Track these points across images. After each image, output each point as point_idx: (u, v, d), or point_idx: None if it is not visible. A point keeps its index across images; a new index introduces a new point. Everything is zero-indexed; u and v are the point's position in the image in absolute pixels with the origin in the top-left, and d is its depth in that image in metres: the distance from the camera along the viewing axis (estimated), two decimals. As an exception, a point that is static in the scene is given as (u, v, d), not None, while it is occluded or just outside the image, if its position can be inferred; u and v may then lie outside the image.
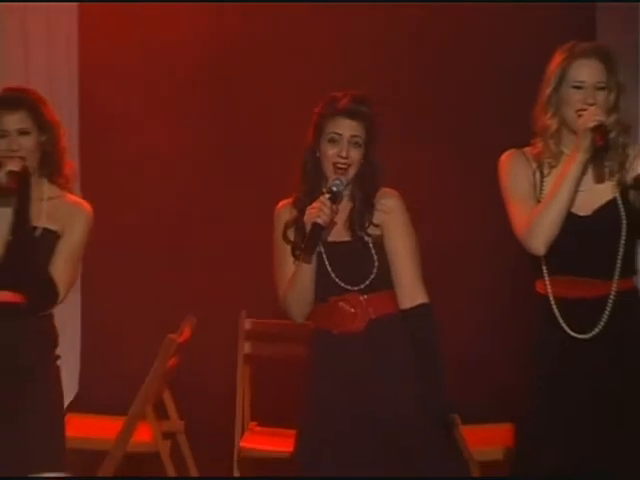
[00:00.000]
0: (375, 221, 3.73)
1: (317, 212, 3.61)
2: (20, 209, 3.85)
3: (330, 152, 3.69)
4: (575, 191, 3.63)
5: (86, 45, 7.03)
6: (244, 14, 6.96)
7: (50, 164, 3.95)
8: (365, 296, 3.74)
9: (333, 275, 3.72)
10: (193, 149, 6.88)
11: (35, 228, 3.88)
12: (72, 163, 4.02)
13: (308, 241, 3.62)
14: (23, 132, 3.88)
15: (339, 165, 3.68)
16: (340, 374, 3.79)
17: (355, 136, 3.69)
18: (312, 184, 3.75)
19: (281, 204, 3.82)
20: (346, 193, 3.76)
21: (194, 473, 5.44)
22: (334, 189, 3.63)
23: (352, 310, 3.76)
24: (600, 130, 3.54)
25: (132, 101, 6.82)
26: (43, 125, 3.92)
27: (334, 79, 6.90)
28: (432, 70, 6.97)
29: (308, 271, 3.67)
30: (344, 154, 3.69)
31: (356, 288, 3.72)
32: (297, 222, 3.73)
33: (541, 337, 3.74)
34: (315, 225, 3.59)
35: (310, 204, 3.65)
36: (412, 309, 3.75)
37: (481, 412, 5.18)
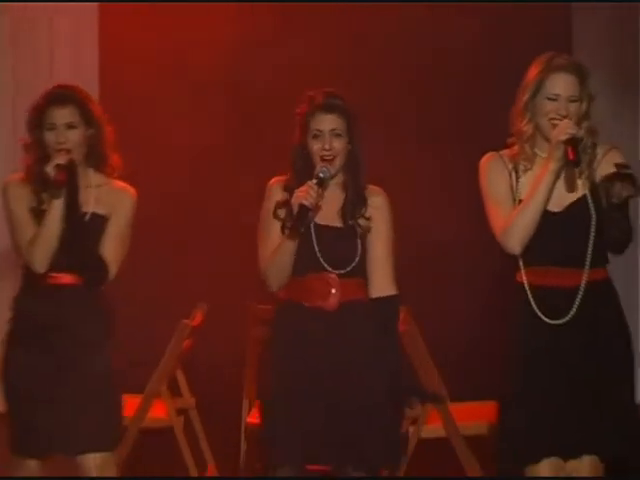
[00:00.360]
0: (366, 215, 3.89)
1: (304, 195, 3.73)
2: (70, 199, 3.92)
3: (315, 147, 3.81)
4: (548, 197, 3.73)
5: (106, 44, 7.24)
6: (260, 14, 7.00)
7: (96, 156, 4.05)
8: (342, 279, 3.86)
9: (319, 255, 3.84)
10: (205, 144, 6.95)
11: (85, 213, 3.99)
12: (118, 155, 4.09)
13: (295, 220, 3.73)
14: (70, 126, 3.97)
15: (325, 157, 3.81)
16: (305, 346, 3.89)
17: (334, 129, 3.82)
18: (302, 176, 3.85)
19: (274, 180, 3.94)
20: (338, 182, 3.89)
21: (205, 446, 5.56)
22: (321, 175, 3.76)
23: (328, 289, 3.87)
24: (572, 143, 3.64)
25: (150, 97, 6.90)
26: (90, 120, 4.00)
27: (344, 77, 6.83)
28: (432, 70, 7.09)
29: (291, 246, 3.78)
30: (327, 146, 3.81)
31: (336, 271, 3.85)
32: (287, 204, 3.84)
33: (518, 323, 3.85)
34: (302, 206, 3.71)
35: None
36: (382, 298, 3.92)
37: (469, 391, 5.26)
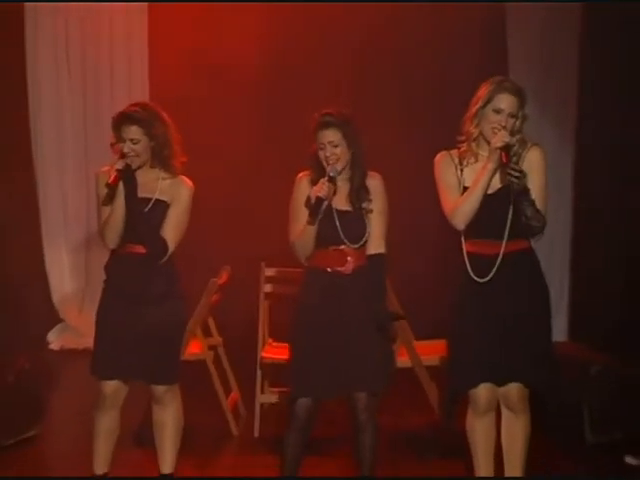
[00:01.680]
0: (369, 198, 4.12)
1: (320, 189, 4.00)
2: (127, 194, 4.12)
3: (323, 155, 4.09)
4: (486, 189, 3.95)
5: (154, 40, 7.49)
6: (293, 19, 7.28)
7: (159, 158, 4.21)
8: (356, 251, 4.10)
9: (341, 233, 4.07)
10: (239, 133, 7.25)
11: (149, 200, 4.19)
12: (182, 156, 4.26)
13: (314, 209, 4.00)
14: (134, 141, 4.15)
15: (329, 162, 4.08)
16: (327, 303, 4.10)
17: (332, 141, 4.06)
18: (318, 174, 4.10)
19: (302, 175, 4.17)
20: (346, 177, 4.12)
21: (230, 375, 5.82)
22: (331, 174, 4.04)
23: (345, 258, 4.10)
24: (505, 149, 3.88)
25: (194, 89, 7.20)
26: (152, 134, 4.16)
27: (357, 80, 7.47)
28: (409, 74, 7.43)
29: (312, 229, 4.03)
30: (328, 154, 4.07)
31: (352, 245, 4.09)
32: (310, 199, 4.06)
33: (460, 283, 4.10)
34: (318, 198, 3.99)
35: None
36: (375, 254, 4.13)
37: (429, 332, 5.39)
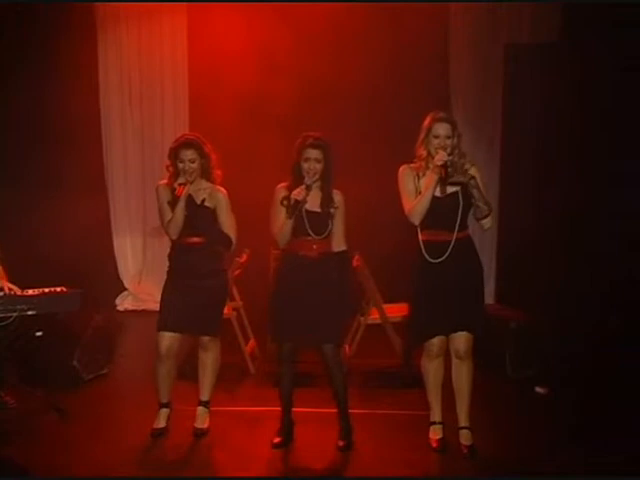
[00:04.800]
0: (335, 206, 4.16)
1: (298, 194, 4.06)
2: (188, 198, 4.15)
3: (305, 166, 4.13)
4: (433, 194, 4.03)
5: (194, 38, 6.94)
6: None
7: (207, 173, 4.30)
8: (320, 240, 4.13)
9: (308, 227, 4.12)
10: (261, 151, 6.96)
11: (198, 205, 4.25)
12: (220, 171, 4.33)
13: (292, 208, 4.08)
14: (192, 161, 4.24)
15: (309, 173, 4.12)
16: (297, 277, 4.14)
17: (316, 157, 4.12)
18: (297, 181, 4.14)
19: (279, 186, 4.21)
20: (318, 186, 4.15)
21: (248, 328, 5.88)
22: (308, 183, 4.10)
23: (312, 245, 4.14)
24: (444, 166, 3.98)
25: (227, 115, 6.81)
26: (203, 156, 4.26)
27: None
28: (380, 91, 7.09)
29: (290, 223, 4.09)
30: (312, 167, 4.11)
31: (317, 237, 4.13)
32: (288, 197, 4.07)
33: (417, 262, 4.14)
34: (296, 201, 4.07)
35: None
36: (339, 252, 4.21)
37: (394, 297, 5.40)
